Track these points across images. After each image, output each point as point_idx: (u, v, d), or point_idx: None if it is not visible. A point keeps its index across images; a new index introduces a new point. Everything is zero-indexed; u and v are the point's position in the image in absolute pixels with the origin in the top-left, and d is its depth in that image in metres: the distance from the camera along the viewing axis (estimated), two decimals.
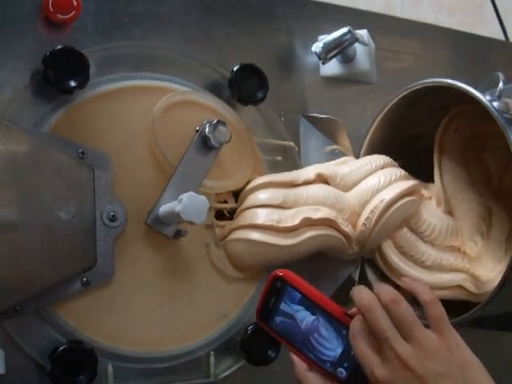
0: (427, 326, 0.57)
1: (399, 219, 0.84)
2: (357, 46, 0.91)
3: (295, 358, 0.62)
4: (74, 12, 0.72)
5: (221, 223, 0.80)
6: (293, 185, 0.81)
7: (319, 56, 0.87)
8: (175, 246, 0.77)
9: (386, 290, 0.58)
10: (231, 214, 0.82)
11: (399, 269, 0.84)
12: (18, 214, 0.64)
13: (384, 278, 0.87)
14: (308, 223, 0.79)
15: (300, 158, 0.88)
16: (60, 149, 0.70)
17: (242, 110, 0.84)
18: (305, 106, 0.90)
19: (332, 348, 0.60)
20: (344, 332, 0.60)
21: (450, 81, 0.80)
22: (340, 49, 0.87)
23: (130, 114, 0.76)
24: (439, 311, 0.57)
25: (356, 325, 0.58)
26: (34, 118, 0.72)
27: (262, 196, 0.79)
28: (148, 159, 0.76)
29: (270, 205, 0.79)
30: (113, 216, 0.72)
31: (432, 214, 0.87)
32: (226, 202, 0.82)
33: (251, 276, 0.81)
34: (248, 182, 0.81)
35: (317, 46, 0.87)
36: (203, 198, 0.70)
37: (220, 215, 0.81)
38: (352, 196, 0.83)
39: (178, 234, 0.75)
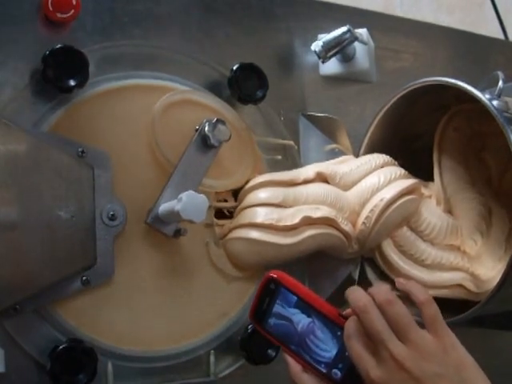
0: (422, 326, 0.57)
1: (399, 218, 0.84)
2: (356, 44, 0.91)
3: (289, 360, 0.62)
4: (73, 11, 0.72)
5: (220, 222, 0.80)
6: (292, 184, 0.81)
7: (319, 55, 0.87)
8: (175, 245, 0.77)
9: (380, 291, 0.58)
10: (231, 213, 0.82)
11: (399, 268, 0.84)
12: (18, 214, 0.64)
13: (384, 276, 0.87)
14: (308, 222, 0.79)
15: (300, 157, 0.88)
16: (60, 148, 0.70)
17: (242, 109, 0.84)
18: (304, 105, 0.90)
19: (327, 349, 0.60)
20: (338, 333, 0.59)
21: (449, 80, 0.80)
22: (339, 48, 0.88)
23: (130, 113, 0.76)
24: (434, 311, 0.57)
25: (350, 326, 0.58)
26: (34, 117, 0.72)
27: (262, 195, 0.79)
28: (148, 158, 0.76)
29: (269, 204, 0.79)
30: (112, 215, 0.72)
31: (432, 212, 0.87)
32: (225, 200, 0.82)
33: (251, 275, 0.81)
34: (248, 181, 0.81)
35: (316, 45, 0.87)
36: (203, 196, 0.70)
37: (220, 214, 0.81)
38: (352, 195, 0.83)
39: (178, 233, 0.75)
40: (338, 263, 0.86)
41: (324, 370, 0.60)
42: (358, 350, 0.57)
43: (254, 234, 0.77)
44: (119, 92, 0.76)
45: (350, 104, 0.95)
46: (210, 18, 0.85)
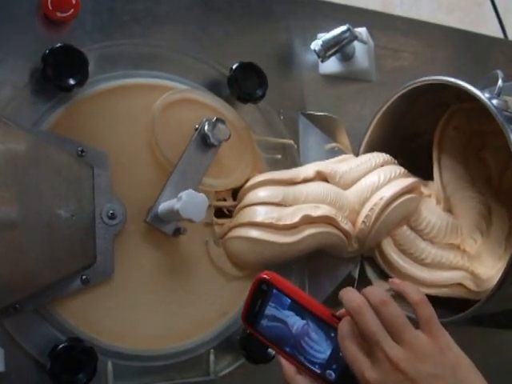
0: (417, 326, 0.57)
1: (399, 217, 0.84)
2: (356, 43, 0.91)
3: (283, 361, 0.62)
4: (72, 10, 0.72)
5: (220, 221, 0.80)
6: (292, 182, 0.81)
7: (318, 54, 0.87)
8: (174, 244, 0.77)
9: (375, 292, 0.58)
10: (230, 212, 0.82)
11: (399, 267, 0.85)
12: (18, 213, 0.63)
13: (383, 275, 0.87)
14: (308, 221, 0.79)
15: (299, 156, 0.88)
16: (59, 147, 0.70)
17: (242, 108, 0.84)
18: (304, 104, 0.90)
19: (321, 350, 0.59)
20: (332, 334, 0.59)
21: (449, 78, 0.80)
22: (339, 47, 0.88)
23: (130, 111, 0.76)
24: (429, 312, 0.57)
25: (344, 327, 0.57)
26: (34, 116, 0.72)
27: (262, 194, 0.79)
28: (147, 157, 0.76)
29: (269, 202, 0.79)
30: (112, 214, 0.72)
31: (431, 211, 0.87)
32: (225, 199, 0.82)
33: (250, 274, 0.81)
34: (247, 180, 0.81)
35: (316, 44, 0.87)
36: (202, 195, 0.70)
37: (219, 213, 0.81)
38: (351, 194, 0.83)
39: (178, 232, 0.75)
40: (337, 262, 0.86)
41: (318, 371, 0.60)
42: (353, 351, 0.56)
43: (254, 233, 0.77)
44: (119, 91, 0.76)
45: (350, 103, 0.95)
46: (210, 16, 0.85)
